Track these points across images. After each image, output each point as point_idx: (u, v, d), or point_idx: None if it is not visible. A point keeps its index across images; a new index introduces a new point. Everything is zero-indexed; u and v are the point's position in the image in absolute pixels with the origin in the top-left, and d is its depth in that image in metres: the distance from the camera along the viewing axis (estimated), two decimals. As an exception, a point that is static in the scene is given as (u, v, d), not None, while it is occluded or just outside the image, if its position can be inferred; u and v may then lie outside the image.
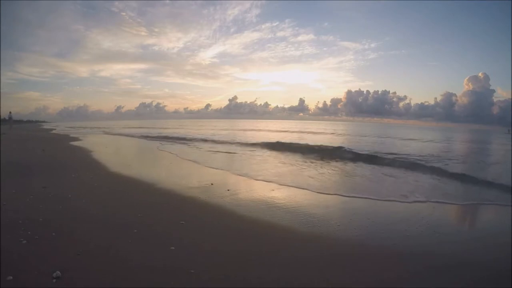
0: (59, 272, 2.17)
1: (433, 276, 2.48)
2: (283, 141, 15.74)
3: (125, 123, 64.53)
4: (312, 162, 9.37)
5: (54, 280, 2.10)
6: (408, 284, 2.37)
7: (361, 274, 2.47)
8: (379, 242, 3.20)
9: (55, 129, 38.63)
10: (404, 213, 4.33)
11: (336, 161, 9.72)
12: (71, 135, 22.59)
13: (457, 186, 6.44)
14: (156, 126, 40.92)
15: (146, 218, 3.62)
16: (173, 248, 2.76)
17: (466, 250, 3.07)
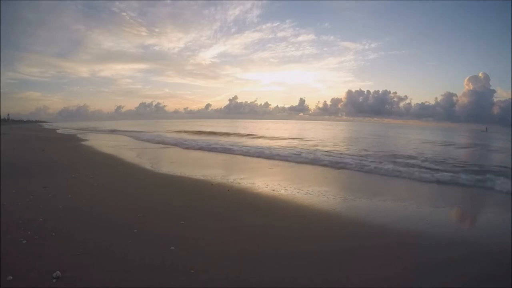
0: (59, 272, 2.16)
1: (434, 274, 2.47)
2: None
3: (126, 123, 64.32)
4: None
5: (54, 280, 2.09)
6: (410, 284, 2.36)
7: (364, 272, 2.46)
8: (380, 241, 3.19)
9: (58, 129, 38.62)
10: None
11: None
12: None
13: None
14: (172, 129, 31.06)
15: (146, 218, 3.61)
16: (173, 248, 2.76)
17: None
